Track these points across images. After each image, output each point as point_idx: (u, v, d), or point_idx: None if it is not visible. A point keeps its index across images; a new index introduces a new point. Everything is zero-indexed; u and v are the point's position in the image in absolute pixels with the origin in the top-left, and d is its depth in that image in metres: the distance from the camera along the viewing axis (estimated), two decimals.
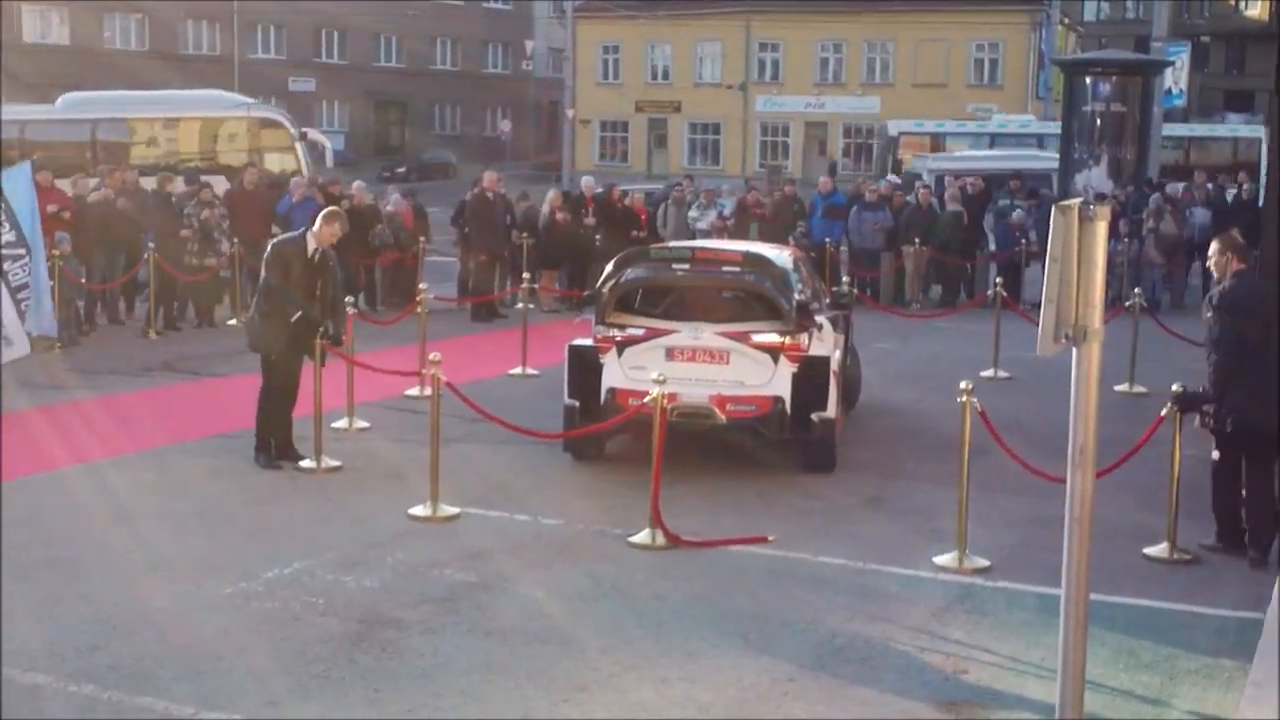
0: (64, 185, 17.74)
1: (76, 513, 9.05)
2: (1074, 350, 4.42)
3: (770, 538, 8.55)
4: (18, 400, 12.61)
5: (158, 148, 25.15)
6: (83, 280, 16.67)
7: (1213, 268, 8.69)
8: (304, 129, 26.14)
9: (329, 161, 26.65)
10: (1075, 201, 4.45)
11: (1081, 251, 4.37)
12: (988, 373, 14.18)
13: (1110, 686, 6.38)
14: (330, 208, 10.83)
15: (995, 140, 38.52)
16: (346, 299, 12.69)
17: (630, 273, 10.64)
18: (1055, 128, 38.46)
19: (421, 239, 19.64)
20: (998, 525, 8.82)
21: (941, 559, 8.14)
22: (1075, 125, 24.84)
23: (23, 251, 14.51)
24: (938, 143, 39.17)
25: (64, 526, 8.71)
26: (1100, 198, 19.90)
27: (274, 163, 24.71)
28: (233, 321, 17.52)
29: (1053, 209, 4.47)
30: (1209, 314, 8.39)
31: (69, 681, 6.15)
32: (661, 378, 8.76)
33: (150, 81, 34.03)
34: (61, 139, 24.86)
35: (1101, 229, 4.38)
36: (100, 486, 9.74)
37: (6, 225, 14.42)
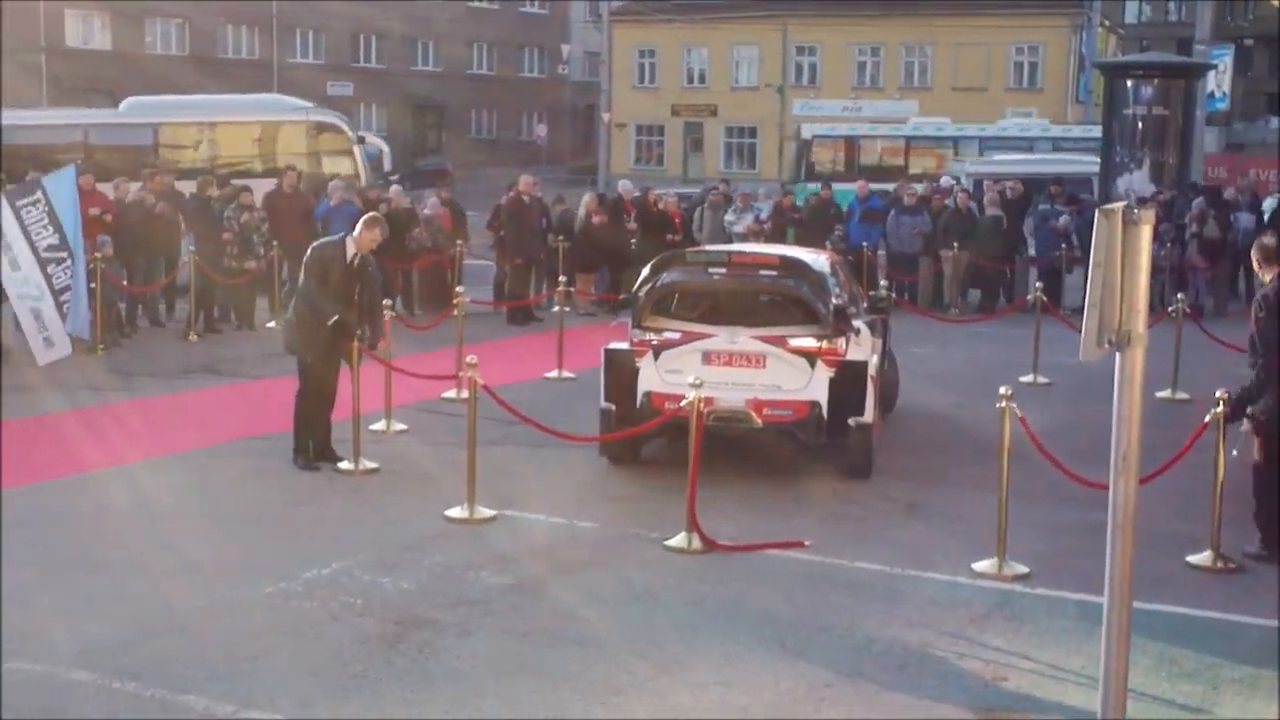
0: (105, 189, 17.87)
1: (116, 513, 9.12)
2: (1117, 355, 4.38)
3: (807, 542, 8.53)
4: (58, 401, 12.75)
5: (217, 151, 25.35)
6: (124, 283, 16.81)
7: (1257, 270, 8.62)
8: (361, 133, 26.21)
9: (386, 165, 26.69)
10: (1119, 205, 4.42)
11: (1125, 256, 4.34)
12: (1027, 378, 14.10)
13: (1152, 695, 6.32)
14: (371, 214, 10.87)
15: (911, 142, 38.15)
16: (384, 302, 12.79)
17: (666, 276, 10.63)
18: (953, 130, 38.48)
19: (459, 242, 19.69)
20: (1037, 532, 8.75)
21: (980, 565, 8.09)
22: (1116, 129, 24.64)
23: (65, 254, 14.65)
24: (852, 146, 38.78)
25: (104, 527, 8.78)
26: (1142, 202, 19.80)
27: (331, 166, 24.87)
28: (271, 324, 17.61)
29: (1096, 213, 4.43)
30: (1260, 314, 8.31)
31: (112, 679, 6.19)
32: (698, 381, 8.75)
33: (190, 86, 34.25)
34: (123, 142, 25.12)
35: (1146, 233, 4.34)
36: (140, 487, 9.82)
37: (50, 228, 14.57)
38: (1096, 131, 37.92)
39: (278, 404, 11.23)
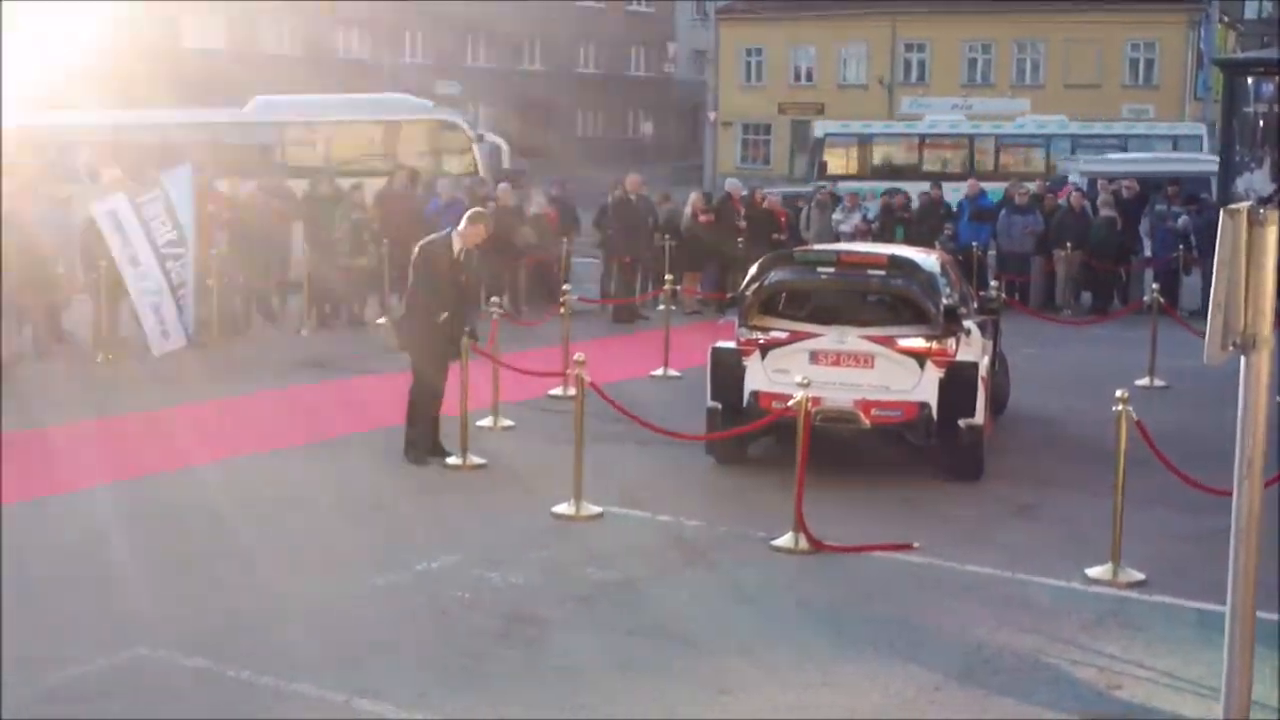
0: (221, 186, 18.26)
1: (231, 505, 9.30)
2: (1242, 359, 4.28)
3: (915, 545, 8.44)
4: (174, 395, 13.05)
5: (342, 150, 25.83)
6: (239, 279, 17.14)
7: None
8: (481, 131, 26.48)
9: (505, 163, 26.93)
10: (1244, 205, 4.31)
11: (1250, 256, 4.24)
12: (1143, 381, 13.81)
13: (1273, 707, 6.16)
14: (475, 209, 10.98)
15: (925, 141, 37.18)
16: (492, 300, 12.92)
17: (774, 275, 10.59)
18: (969, 127, 37.55)
19: (565, 240, 19.81)
20: (1154, 538, 8.57)
21: (1094, 571, 7.94)
22: (1236, 127, 24.01)
23: (183, 250, 15.01)
24: (865, 145, 37.90)
25: (219, 518, 8.97)
26: (1263, 201, 19.29)
27: (452, 165, 25.19)
28: (381, 321, 17.86)
29: (1220, 213, 4.33)
30: None
31: (227, 666, 6.32)
32: (805, 381, 8.71)
33: (302, 86, 34.81)
34: (251, 141, 25.72)
35: (1272, 234, 4.24)
36: (254, 480, 10.01)
37: (169, 225, 14.93)
38: (1163, 128, 37.20)
39: (387, 399, 11.39)
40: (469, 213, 10.64)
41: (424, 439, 10.46)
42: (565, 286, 14.63)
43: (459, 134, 26.19)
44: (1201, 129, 36.31)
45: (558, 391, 12.75)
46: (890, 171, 34.27)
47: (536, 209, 20.04)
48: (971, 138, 36.15)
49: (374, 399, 12.73)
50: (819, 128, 39.12)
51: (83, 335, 15.83)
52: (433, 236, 10.83)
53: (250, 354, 15.66)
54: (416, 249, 10.53)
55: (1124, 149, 33.71)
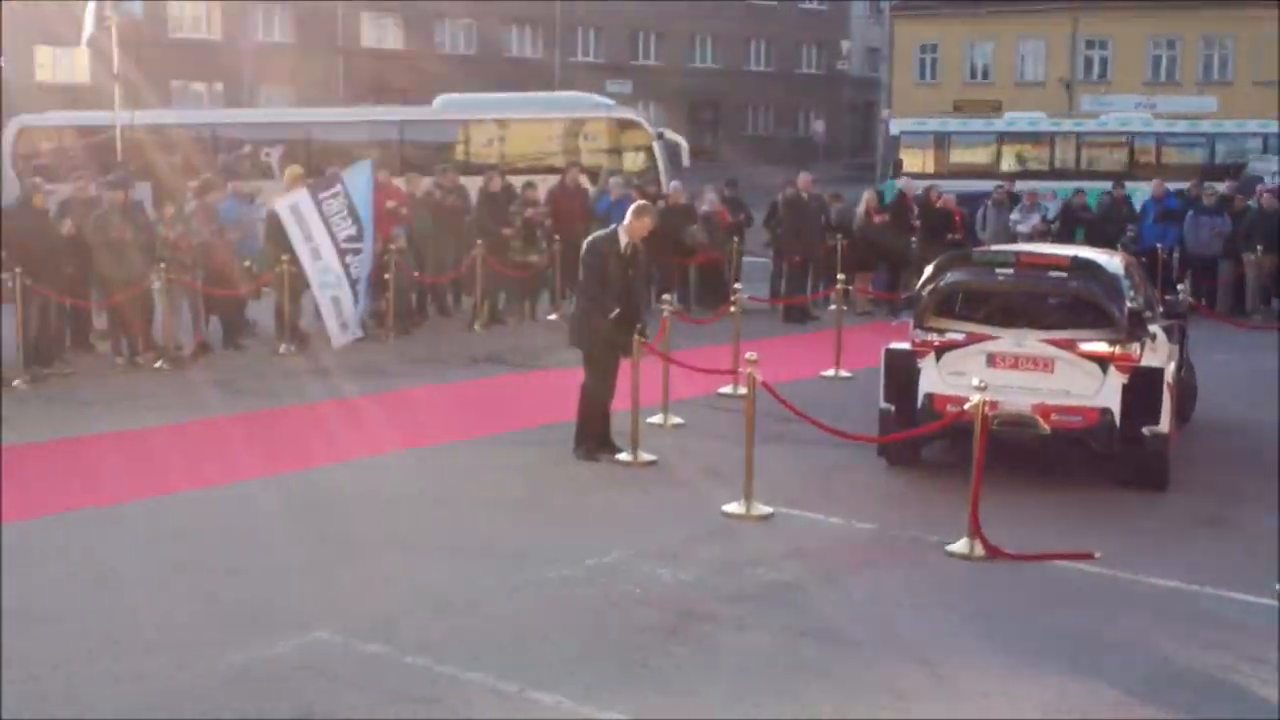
0: (399, 183, 18.65)
1: (406, 495, 9.51)
2: None
3: (1096, 554, 8.18)
4: (350, 387, 13.38)
5: (523, 147, 26.25)
6: (415, 274, 17.49)
7: None
8: (660, 129, 26.60)
9: (684, 161, 26.97)
10: None
11: None
12: None
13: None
14: (640, 202, 10.99)
15: (1003, 139, 35.64)
16: (664, 297, 12.95)
17: (951, 276, 10.40)
18: (1049, 124, 35.82)
19: (736, 239, 19.76)
20: None
21: None
22: None
23: (361, 245, 15.38)
24: (941, 143, 36.38)
25: (395, 507, 9.18)
26: None
27: (632, 162, 25.38)
28: (553, 317, 18.08)
29: None
30: None
31: (404, 653, 6.45)
32: (982, 384, 8.53)
33: (474, 85, 35.40)
34: (436, 139, 26.33)
35: None
36: (428, 471, 10.22)
37: (349, 220, 15.31)
38: (1253, 125, 35.38)
39: (557, 395, 11.51)
40: (633, 206, 10.69)
41: (595, 435, 10.53)
42: (736, 285, 14.59)
43: (639, 131, 26.32)
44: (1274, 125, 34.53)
45: (727, 390, 12.72)
46: (968, 170, 33.47)
47: (708, 207, 20.02)
48: (1052, 135, 35.05)
49: (545, 394, 12.87)
50: (894, 125, 38.17)
51: (266, 328, 16.33)
52: (599, 232, 10.89)
53: (424, 349, 15.97)
54: (585, 245, 10.61)
55: (1210, 149, 32.47)
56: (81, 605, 7.13)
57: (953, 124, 38.45)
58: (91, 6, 17.87)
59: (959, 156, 35.75)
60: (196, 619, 6.90)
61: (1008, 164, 33.61)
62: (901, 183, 21.20)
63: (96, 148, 22.71)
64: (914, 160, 34.77)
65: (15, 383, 13.19)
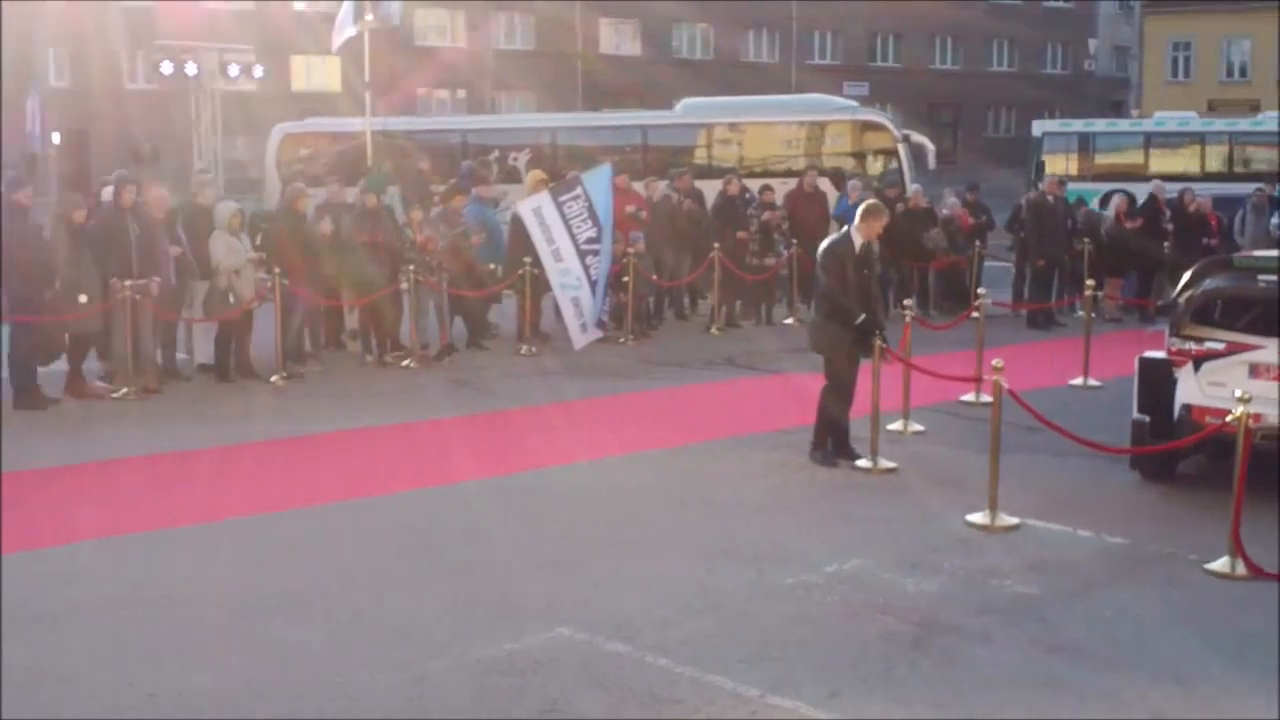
0: (639, 186, 18.86)
1: (643, 496, 9.59)
2: None
3: None
4: (588, 388, 13.59)
5: (764, 150, 26.32)
6: (653, 277, 17.66)
7: None
8: (906, 131, 26.27)
9: (930, 164, 26.58)
10: None
11: None
12: None
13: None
14: (870, 201, 10.81)
15: (1152, 139, 33.11)
16: (904, 303, 12.75)
17: (1210, 283, 9.96)
18: (1200, 124, 32.97)
19: (977, 243, 19.33)
20: None
21: None
22: None
23: (600, 247, 15.61)
24: (1086, 144, 33.97)
25: (632, 508, 9.26)
26: None
27: (876, 166, 25.17)
28: (789, 321, 18.01)
29: None
30: None
31: (646, 653, 6.49)
32: (1245, 396, 8.11)
33: (708, 89, 35.58)
34: (678, 143, 26.62)
35: None
36: (665, 472, 10.28)
37: (589, 222, 15.56)
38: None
39: (795, 399, 11.44)
40: (863, 206, 10.53)
41: (837, 441, 10.43)
42: (980, 290, 14.26)
43: (884, 134, 25.99)
44: None
45: (969, 397, 12.45)
46: (1114, 173, 31.78)
47: (948, 211, 19.65)
48: (1203, 135, 32.97)
49: (783, 398, 12.82)
50: (1037, 126, 36.61)
51: (508, 329, 16.72)
52: (834, 235, 10.76)
53: (661, 352, 16.10)
54: (821, 250, 10.50)
55: None
56: (334, 594, 7.41)
57: (1098, 124, 37.15)
58: (349, 11, 18.56)
59: (1105, 159, 34.44)
60: (442, 613, 7.07)
61: (1156, 166, 32.18)
62: (1154, 186, 20.35)
63: (348, 153, 23.69)
64: (1058, 163, 33.59)
65: (273, 378, 13.83)
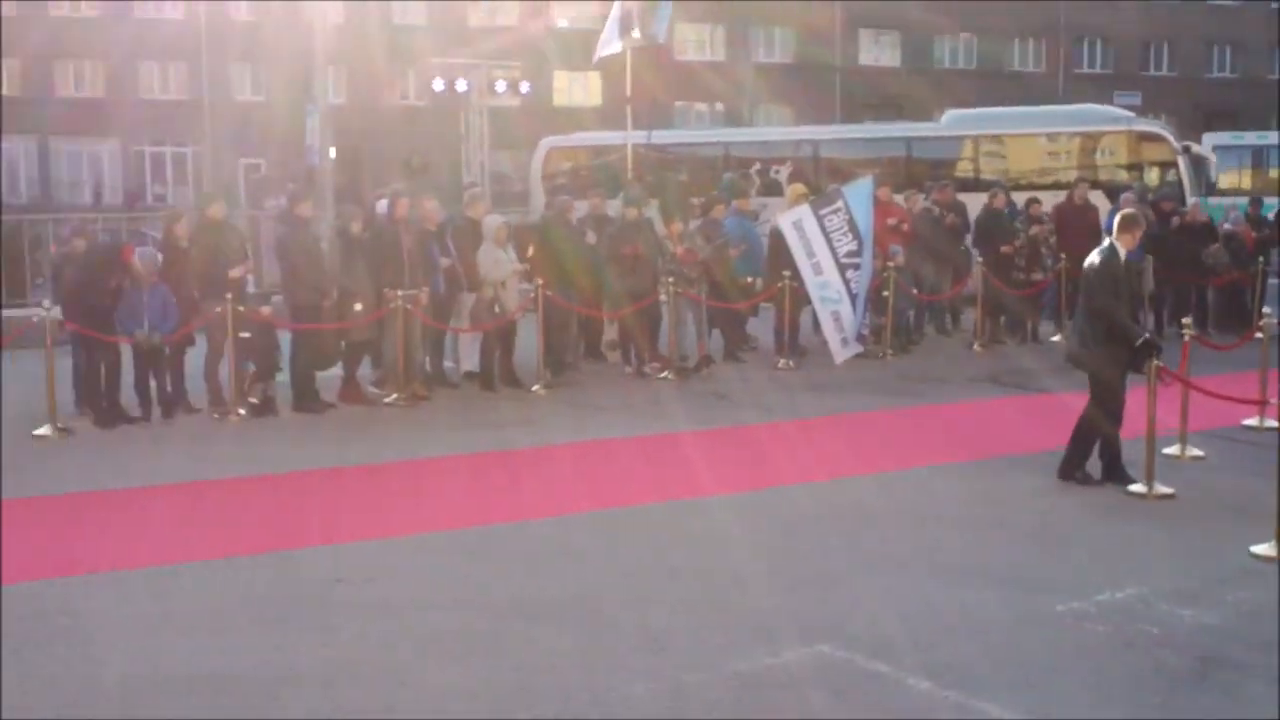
0: (899, 199, 18.57)
1: (903, 514, 9.39)
2: None
3: None
4: (847, 403, 13.44)
5: (1033, 162, 25.70)
6: (913, 291, 17.36)
7: None
8: (1187, 143, 25.19)
9: (1213, 176, 25.34)
10: None
11: None
12: None
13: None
14: (1126, 211, 10.33)
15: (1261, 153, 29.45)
16: (1183, 321, 12.17)
17: None
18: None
19: (1260, 259, 18.33)
20: None
21: None
22: None
23: (860, 260, 15.42)
24: (1260, 157, 30.24)
25: (892, 526, 9.07)
26: None
27: (1154, 178, 24.27)
28: (1056, 338, 17.44)
29: None
30: None
31: (909, 674, 6.33)
32: None
33: (971, 99, 34.78)
34: (944, 155, 26.23)
35: None
36: (925, 490, 10.08)
37: (849, 236, 15.40)
38: None
39: (1062, 419, 11.02)
40: (1119, 217, 10.09)
41: (1109, 463, 10.02)
42: (1266, 310, 13.49)
43: (1162, 145, 24.91)
44: None
45: (1252, 421, 11.80)
46: None
47: (1230, 225, 18.70)
48: (1263, 149, 29.93)
49: (1049, 418, 12.35)
50: (1206, 140, 33.80)
51: (766, 342, 16.68)
52: (1101, 251, 10.27)
53: (921, 367, 15.81)
54: (1090, 267, 10.08)
55: None
56: (589, 602, 7.49)
57: (1271, 137, 34.55)
58: (614, 26, 18.85)
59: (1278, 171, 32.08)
60: (695, 625, 7.05)
61: None
62: None
63: (610, 166, 24.08)
64: (1229, 177, 31.23)
65: (535, 387, 14.14)
